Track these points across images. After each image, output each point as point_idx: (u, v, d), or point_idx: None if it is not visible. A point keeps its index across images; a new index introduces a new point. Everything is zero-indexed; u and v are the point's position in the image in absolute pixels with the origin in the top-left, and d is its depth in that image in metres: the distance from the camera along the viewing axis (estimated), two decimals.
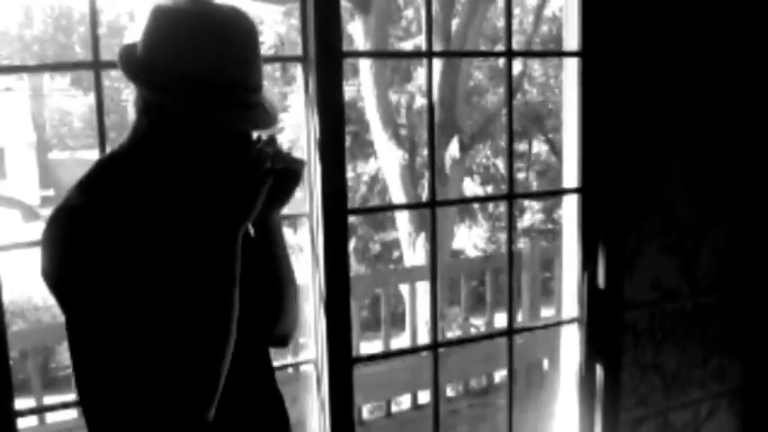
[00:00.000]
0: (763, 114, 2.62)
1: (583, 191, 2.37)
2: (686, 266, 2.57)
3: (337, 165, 1.95)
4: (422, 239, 8.48)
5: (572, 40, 2.32)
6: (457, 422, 6.27)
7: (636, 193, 2.42)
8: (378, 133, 8.63)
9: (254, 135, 1.35)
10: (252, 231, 1.47)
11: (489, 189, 14.08)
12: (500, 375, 6.56)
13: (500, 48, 11.03)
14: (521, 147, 14.98)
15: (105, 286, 1.20)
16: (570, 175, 2.41)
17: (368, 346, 7.08)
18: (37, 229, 1.30)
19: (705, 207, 2.57)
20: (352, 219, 12.09)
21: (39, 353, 6.81)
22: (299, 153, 1.48)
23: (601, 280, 2.39)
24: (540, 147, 15.60)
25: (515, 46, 10.76)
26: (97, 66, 1.73)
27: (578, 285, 2.43)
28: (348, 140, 11.92)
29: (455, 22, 8.84)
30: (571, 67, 2.35)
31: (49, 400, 5.15)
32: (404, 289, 6.73)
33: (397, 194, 8.62)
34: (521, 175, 14.98)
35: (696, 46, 2.46)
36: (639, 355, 2.51)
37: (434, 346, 2.24)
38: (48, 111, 24.71)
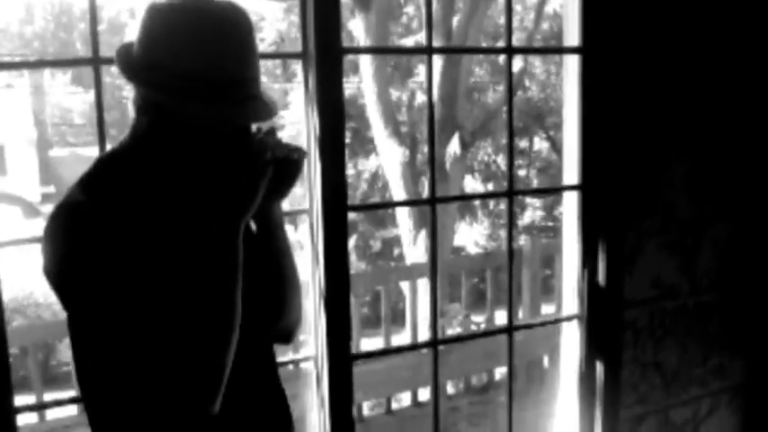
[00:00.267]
0: (763, 114, 2.62)
1: (583, 188, 2.37)
2: (686, 264, 2.56)
3: (337, 161, 1.94)
4: (422, 236, 8.48)
5: (572, 37, 2.31)
6: (457, 419, 6.27)
7: (636, 190, 2.41)
8: (378, 130, 8.62)
9: (254, 127, 1.35)
10: (254, 227, 1.48)
11: (490, 186, 14.06)
12: (500, 372, 6.57)
13: (501, 44, 11.02)
14: (522, 144, 14.96)
15: (106, 283, 1.20)
16: (570, 173, 2.41)
17: (368, 343, 7.07)
18: (37, 226, 1.30)
19: (705, 205, 2.57)
20: (352, 216, 12.10)
21: (39, 349, 6.82)
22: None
23: (601, 277, 2.39)
24: (541, 144, 15.58)
25: (516, 43, 10.77)
26: (97, 62, 1.73)
27: (578, 283, 2.43)
28: (349, 137, 11.99)
29: (456, 19, 8.83)
30: (571, 64, 2.34)
31: (49, 396, 5.15)
32: (404, 286, 6.73)
33: (398, 191, 8.61)
34: (521, 173, 14.97)
35: (697, 43, 2.45)
36: (639, 353, 2.51)
37: (434, 343, 2.24)
38: (48, 108, 24.70)
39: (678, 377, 2.60)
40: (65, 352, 8.47)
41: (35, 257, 1.29)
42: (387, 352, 4.90)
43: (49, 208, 1.32)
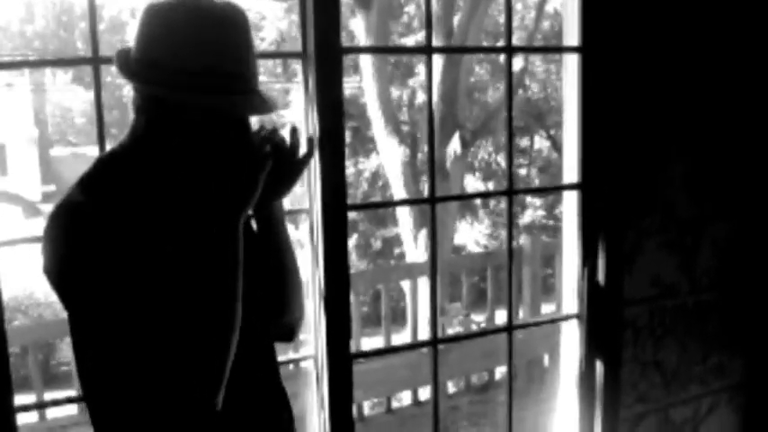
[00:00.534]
0: (763, 113, 2.62)
1: (582, 187, 2.37)
2: (686, 263, 2.56)
3: (337, 161, 1.94)
4: (423, 235, 8.48)
5: (572, 36, 2.31)
6: (457, 418, 6.28)
7: (636, 189, 2.41)
8: (379, 129, 8.63)
9: (256, 126, 1.36)
10: (255, 225, 1.48)
11: (491, 185, 14.07)
12: (501, 372, 6.58)
13: (501, 44, 11.02)
14: (522, 143, 14.97)
15: (107, 282, 1.20)
16: (570, 172, 2.41)
17: (369, 342, 7.08)
18: (38, 225, 1.31)
19: (705, 204, 2.57)
20: (353, 215, 12.10)
21: (40, 349, 6.83)
22: (301, 149, 1.49)
23: (601, 276, 2.39)
24: (541, 143, 15.59)
25: (517, 42, 10.78)
26: (96, 62, 1.73)
27: (578, 281, 2.43)
28: (349, 136, 12.01)
29: (457, 18, 8.83)
30: (571, 63, 2.34)
31: (49, 395, 5.16)
32: (405, 285, 6.73)
33: (399, 190, 8.62)
34: (522, 172, 14.97)
35: (697, 42, 2.45)
36: (639, 352, 2.51)
37: (434, 342, 2.24)
38: (49, 107, 24.71)
39: (678, 376, 2.60)
40: (65, 351, 8.48)
41: (36, 257, 1.30)
42: (386, 351, 4.90)
43: (49, 207, 1.33)
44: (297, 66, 1.97)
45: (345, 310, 2.02)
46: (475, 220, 13.96)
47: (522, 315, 6.39)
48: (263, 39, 13.71)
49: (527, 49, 10.99)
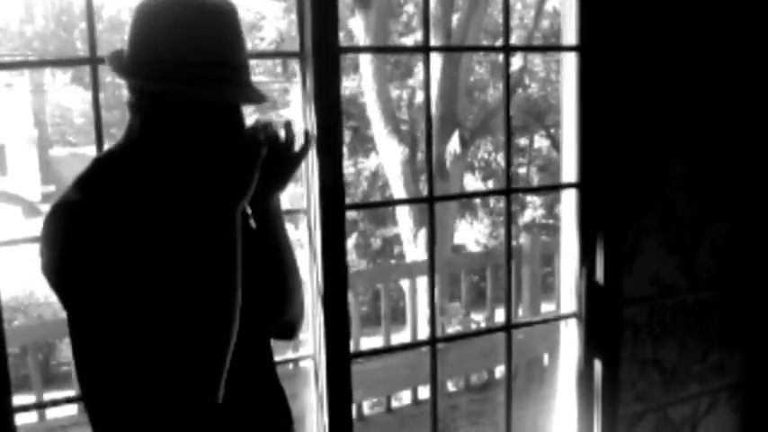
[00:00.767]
0: (763, 113, 2.62)
1: (581, 186, 2.37)
2: (686, 263, 2.56)
3: (335, 160, 1.94)
4: (423, 235, 8.48)
5: (570, 35, 2.31)
6: (457, 417, 6.28)
7: (635, 189, 2.41)
8: (378, 128, 8.62)
9: (250, 122, 1.37)
10: (253, 223, 1.48)
11: (491, 184, 14.06)
12: (500, 371, 6.57)
13: (500, 43, 11.02)
14: (522, 142, 14.97)
15: (106, 281, 1.21)
16: (569, 170, 2.41)
17: (369, 342, 7.08)
18: (38, 226, 1.31)
19: (705, 204, 2.57)
20: (353, 214, 12.11)
21: (39, 349, 6.83)
22: (297, 143, 1.49)
23: (600, 275, 2.39)
24: (541, 142, 15.59)
25: (516, 41, 10.77)
26: (94, 62, 1.73)
27: (577, 280, 2.43)
28: (349, 136, 12.00)
29: (456, 18, 8.82)
30: (569, 62, 2.34)
31: (49, 396, 5.16)
32: (404, 284, 6.73)
33: (398, 190, 8.61)
34: (522, 171, 14.97)
35: (696, 41, 2.45)
36: (638, 351, 2.51)
37: (432, 341, 2.25)
38: (49, 107, 24.72)
39: (677, 374, 2.61)
40: (65, 351, 8.48)
41: (36, 257, 1.30)
42: (384, 351, 4.90)
43: (49, 207, 1.34)
44: (296, 65, 1.97)
45: (344, 309, 2.02)
46: (475, 219, 13.96)
47: (521, 314, 6.39)
48: (263, 38, 13.71)
49: (525, 49, 10.99)
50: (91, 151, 1.62)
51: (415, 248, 8.70)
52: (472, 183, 13.91)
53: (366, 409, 6.09)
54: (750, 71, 2.58)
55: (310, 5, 1.87)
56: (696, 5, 2.43)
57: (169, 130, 1.30)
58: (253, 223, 1.48)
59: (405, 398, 6.21)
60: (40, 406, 4.49)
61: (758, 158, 2.65)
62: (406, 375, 5.57)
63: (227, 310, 1.25)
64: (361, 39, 8.27)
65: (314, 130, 1.91)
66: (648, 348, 2.53)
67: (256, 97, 1.33)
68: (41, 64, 12.85)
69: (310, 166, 1.95)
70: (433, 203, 2.20)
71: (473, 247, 13.49)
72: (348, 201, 1.99)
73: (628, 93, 2.34)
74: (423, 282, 6.17)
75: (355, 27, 8.68)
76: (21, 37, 26.87)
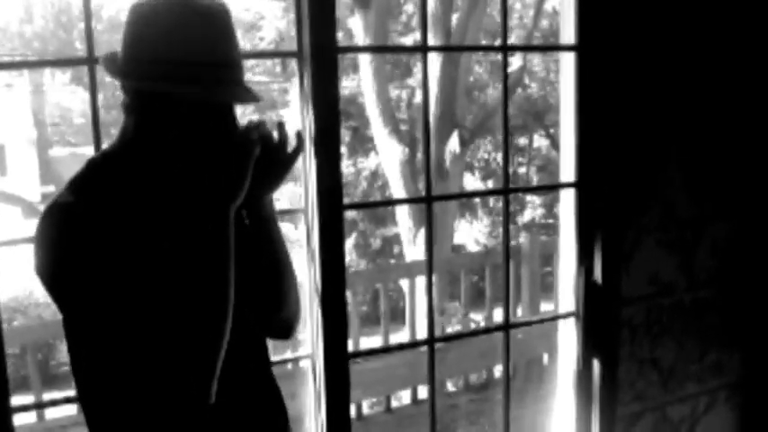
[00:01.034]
0: (763, 113, 2.62)
1: (579, 185, 2.37)
2: (685, 262, 2.56)
3: (332, 160, 1.95)
4: (422, 234, 8.48)
5: (569, 35, 2.31)
6: (456, 417, 6.28)
7: (635, 188, 2.41)
8: (378, 128, 8.63)
9: (244, 121, 1.37)
10: (247, 224, 1.48)
11: (490, 184, 14.07)
12: (500, 370, 6.57)
13: (499, 42, 11.01)
14: (521, 141, 14.97)
15: (100, 282, 1.21)
16: (567, 170, 2.41)
17: (368, 341, 7.08)
18: None
19: (704, 203, 2.57)
20: (353, 214, 12.11)
21: (39, 349, 6.83)
22: (290, 145, 1.49)
23: (598, 275, 2.39)
24: (540, 141, 15.59)
25: (516, 41, 10.77)
26: (92, 62, 1.73)
27: (575, 280, 2.43)
28: (348, 136, 12.00)
29: (455, 17, 8.82)
30: (568, 62, 2.34)
31: (48, 396, 5.16)
32: (404, 284, 6.74)
33: (398, 190, 8.62)
34: (521, 170, 14.97)
35: (695, 40, 2.45)
36: (637, 350, 2.51)
37: (431, 341, 2.25)
38: (48, 107, 24.69)
39: (675, 374, 2.61)
40: (65, 351, 8.46)
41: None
42: (383, 350, 4.90)
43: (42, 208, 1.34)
44: (295, 65, 1.97)
45: (342, 309, 2.02)
46: (474, 218, 13.96)
47: (520, 314, 6.39)
48: (262, 38, 13.71)
49: (523, 48, 10.99)
50: (90, 152, 1.62)
51: (414, 248, 8.70)
52: (472, 182, 13.91)
53: (365, 409, 6.10)
54: (750, 71, 2.58)
55: (308, 5, 1.87)
56: (695, 5, 2.43)
57: (163, 130, 1.30)
58: (247, 222, 1.48)
59: (404, 397, 6.21)
60: (39, 406, 4.49)
61: (758, 158, 2.64)
62: (405, 375, 5.57)
63: (219, 309, 1.25)
64: (361, 38, 8.28)
65: (312, 130, 1.91)
66: (647, 348, 2.53)
67: (249, 97, 1.33)
68: (39, 64, 12.82)
69: (308, 166, 1.95)
70: (431, 203, 2.20)
71: (473, 247, 13.49)
72: (347, 200, 1.99)
73: (627, 92, 2.34)
74: (422, 281, 6.17)
75: (354, 27, 8.68)
76: (20, 37, 26.84)
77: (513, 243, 6.98)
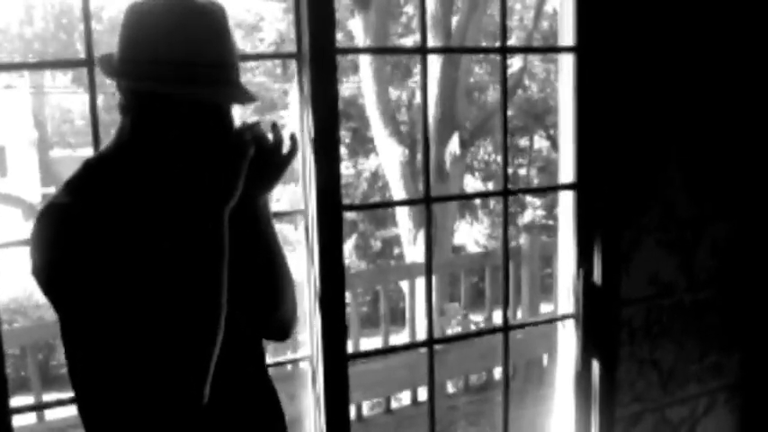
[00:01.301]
0: (763, 113, 2.62)
1: (578, 187, 2.38)
2: (684, 261, 2.56)
3: (332, 161, 1.95)
4: (422, 236, 8.48)
5: (567, 36, 2.32)
6: (456, 418, 6.28)
7: (635, 189, 2.41)
8: (378, 130, 8.63)
9: (238, 122, 1.38)
10: (241, 225, 1.48)
11: (490, 185, 14.07)
12: (499, 372, 6.56)
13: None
14: (522, 143, 14.98)
15: (96, 283, 1.21)
16: (566, 171, 2.41)
17: (368, 343, 7.08)
18: None
19: (704, 202, 2.57)
20: (353, 216, 12.12)
21: (39, 350, 6.83)
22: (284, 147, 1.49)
23: (597, 276, 2.39)
24: (541, 143, 15.59)
25: (516, 42, 10.75)
26: (91, 63, 1.74)
27: (574, 281, 2.43)
28: (349, 137, 11.99)
29: (455, 19, 8.82)
30: (566, 63, 2.34)
31: (49, 397, 5.15)
32: (404, 285, 6.74)
33: (398, 191, 8.62)
34: (522, 172, 14.97)
35: (695, 41, 2.45)
36: (636, 351, 2.51)
37: (430, 342, 2.25)
38: (49, 108, 24.71)
39: (675, 375, 2.60)
40: None
41: None
42: (382, 352, 4.90)
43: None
44: (295, 66, 1.97)
45: (341, 310, 2.02)
46: (475, 220, 13.96)
47: (520, 315, 6.38)
48: (263, 39, 13.72)
49: (521, 50, 10.99)
50: (91, 153, 1.62)
51: (414, 249, 8.70)
52: (472, 184, 13.92)
53: (365, 410, 6.10)
54: (749, 71, 2.58)
55: (307, 7, 1.87)
56: (694, 5, 2.43)
57: (160, 130, 1.30)
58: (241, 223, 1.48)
59: (404, 399, 6.21)
60: (38, 407, 4.48)
61: (758, 159, 2.65)
62: (405, 376, 5.57)
63: (212, 309, 1.25)
64: (361, 40, 8.28)
65: (311, 131, 1.91)
66: (646, 349, 2.53)
67: (246, 98, 1.33)
68: (39, 66, 12.83)
69: (308, 168, 1.95)
70: (430, 204, 2.20)
71: (473, 248, 13.49)
72: (347, 201, 1.99)
73: (626, 93, 2.34)
74: (422, 283, 6.17)
75: (355, 28, 8.69)
76: (21, 39, 26.85)
77: (513, 244, 6.97)
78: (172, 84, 1.26)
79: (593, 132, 2.33)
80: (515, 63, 8.93)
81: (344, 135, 11.85)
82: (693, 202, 2.54)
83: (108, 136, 1.78)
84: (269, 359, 1.57)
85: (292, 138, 1.46)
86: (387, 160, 8.76)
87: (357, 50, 8.93)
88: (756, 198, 2.66)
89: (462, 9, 8.77)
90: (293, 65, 1.95)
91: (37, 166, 22.79)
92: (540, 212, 14.24)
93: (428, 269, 2.22)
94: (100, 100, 1.85)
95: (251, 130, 1.34)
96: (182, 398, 1.22)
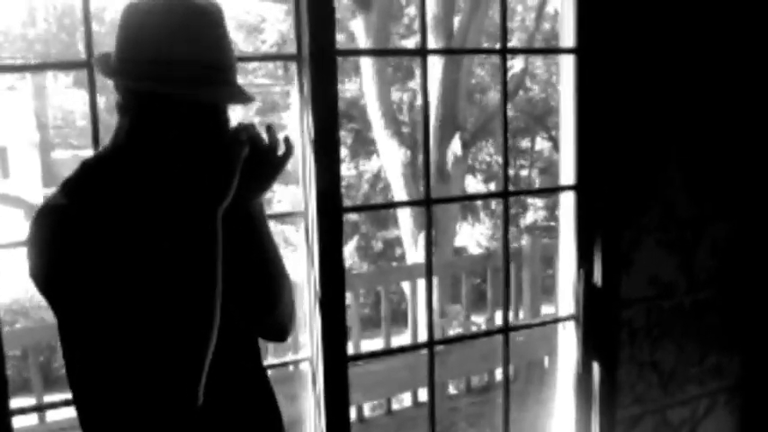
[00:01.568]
0: (763, 113, 2.62)
1: (578, 188, 2.38)
2: (684, 261, 2.56)
3: (331, 162, 1.95)
4: (423, 237, 8.47)
5: (568, 38, 2.32)
6: (457, 419, 6.28)
7: (635, 190, 2.42)
8: (379, 131, 8.62)
9: (234, 123, 1.38)
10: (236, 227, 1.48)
11: (492, 186, 14.07)
12: (501, 373, 6.57)
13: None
14: (523, 144, 14.97)
15: (93, 284, 1.21)
16: (567, 173, 2.41)
17: (370, 344, 7.08)
18: None
19: (704, 202, 2.57)
20: (354, 217, 12.10)
21: (41, 352, 6.83)
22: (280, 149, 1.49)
23: (597, 277, 2.39)
24: (542, 144, 15.58)
25: (517, 43, 10.76)
26: (91, 65, 1.74)
27: (575, 283, 2.43)
28: (350, 138, 11.98)
29: (457, 20, 8.82)
30: (567, 65, 2.35)
31: (50, 398, 5.15)
32: (405, 286, 6.74)
33: (399, 192, 8.61)
34: (523, 173, 14.96)
35: (694, 41, 2.45)
36: (636, 353, 2.51)
37: (430, 343, 2.25)
38: (51, 110, 24.71)
39: (675, 377, 2.60)
40: None
41: None
42: (382, 353, 4.90)
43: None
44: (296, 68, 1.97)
45: (341, 312, 2.02)
46: (476, 221, 13.96)
47: (522, 316, 6.38)
48: (264, 41, 13.72)
49: (522, 51, 11.00)
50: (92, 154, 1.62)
51: (416, 251, 8.69)
52: (474, 185, 13.92)
53: (366, 412, 6.10)
54: (749, 71, 2.58)
55: (307, 8, 1.87)
56: (694, 6, 2.43)
57: (157, 131, 1.30)
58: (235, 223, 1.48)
59: (405, 400, 6.21)
60: (39, 408, 4.48)
61: (758, 159, 2.64)
62: (406, 377, 5.56)
63: (206, 309, 1.25)
64: (362, 41, 8.27)
65: (311, 133, 1.91)
66: (646, 350, 2.53)
67: (242, 98, 1.33)
68: (39, 67, 12.88)
69: (308, 169, 1.96)
70: (431, 206, 2.20)
71: (474, 249, 13.49)
72: (349, 203, 1.99)
73: (626, 94, 2.34)
74: (424, 284, 6.16)
75: (356, 29, 8.68)
76: (23, 40, 26.88)
77: (514, 246, 6.97)
78: (172, 84, 1.26)
79: (594, 133, 2.33)
80: (517, 64, 8.93)
81: (346, 136, 11.85)
82: (693, 202, 2.54)
83: (109, 137, 1.79)
84: (269, 360, 1.57)
85: (287, 140, 1.46)
86: (388, 161, 8.75)
87: (357, 52, 8.92)
88: (756, 198, 2.66)
89: (464, 10, 8.77)
90: (294, 66, 1.95)
91: (39, 167, 22.82)
92: (542, 214, 14.24)
93: (428, 270, 2.22)
94: (101, 101, 1.85)
95: (246, 131, 1.34)
96: (176, 397, 1.22)
